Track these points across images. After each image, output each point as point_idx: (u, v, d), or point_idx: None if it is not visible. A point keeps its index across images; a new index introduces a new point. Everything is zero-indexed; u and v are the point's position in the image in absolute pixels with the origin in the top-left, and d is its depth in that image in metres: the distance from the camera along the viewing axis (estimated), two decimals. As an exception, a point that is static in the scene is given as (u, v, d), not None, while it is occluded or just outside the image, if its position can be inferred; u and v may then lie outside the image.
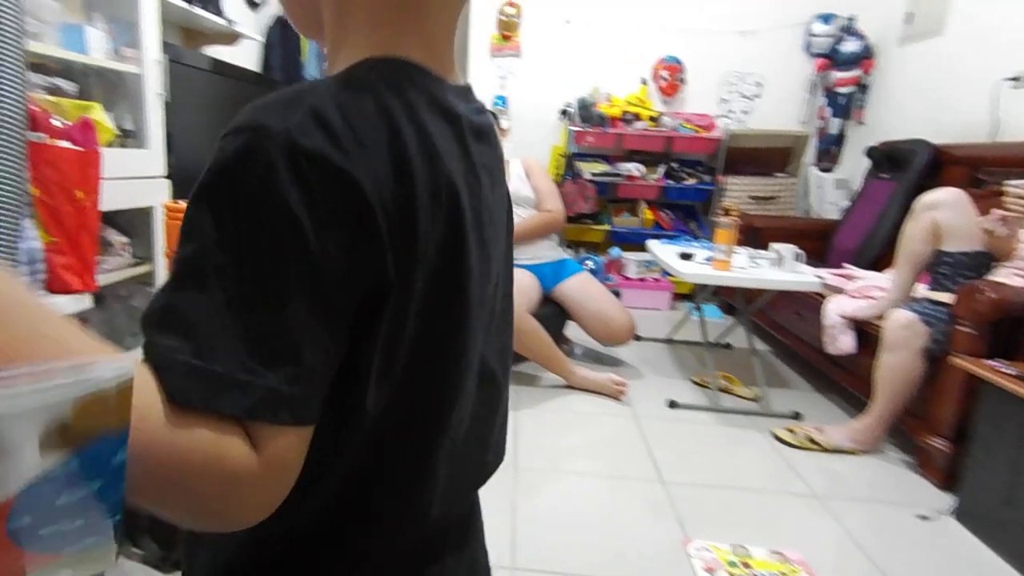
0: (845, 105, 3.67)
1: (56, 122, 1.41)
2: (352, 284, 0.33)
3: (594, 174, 3.78)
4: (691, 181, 3.82)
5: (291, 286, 0.31)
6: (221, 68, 2.56)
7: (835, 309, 2.19)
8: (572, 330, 2.74)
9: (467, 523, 0.52)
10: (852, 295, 2.23)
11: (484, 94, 3.94)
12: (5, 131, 0.70)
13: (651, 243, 2.91)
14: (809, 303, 2.44)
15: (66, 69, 1.76)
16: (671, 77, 3.81)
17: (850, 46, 3.58)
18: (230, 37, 2.96)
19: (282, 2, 0.46)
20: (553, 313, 2.62)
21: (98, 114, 1.53)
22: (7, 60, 0.70)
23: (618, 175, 3.80)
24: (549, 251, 2.70)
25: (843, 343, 2.13)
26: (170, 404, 0.28)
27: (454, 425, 0.43)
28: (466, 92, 0.44)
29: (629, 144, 3.81)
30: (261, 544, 0.40)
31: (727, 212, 2.18)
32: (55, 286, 1.42)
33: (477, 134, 0.42)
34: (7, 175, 0.70)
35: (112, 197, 1.72)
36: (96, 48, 1.78)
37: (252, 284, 0.30)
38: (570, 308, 2.62)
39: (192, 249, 0.31)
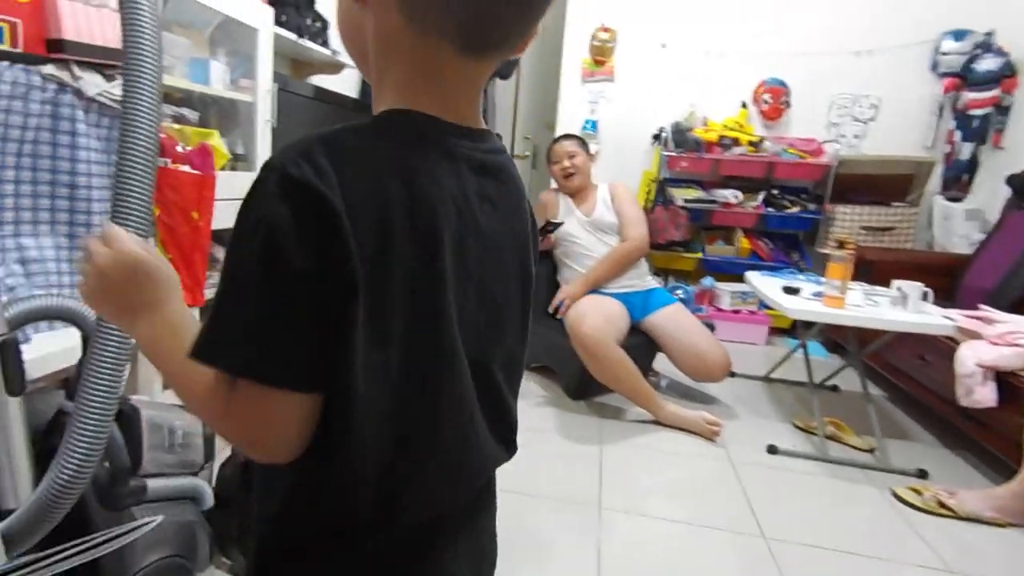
0: (979, 128, 3.33)
1: (179, 148, 1.50)
2: (323, 274, 0.42)
3: (687, 200, 3.64)
4: (793, 209, 3.60)
5: (267, 280, 0.42)
6: (322, 95, 2.68)
7: (972, 356, 1.94)
8: (659, 362, 2.61)
9: (473, 510, 0.58)
10: (993, 341, 1.97)
11: (574, 119, 3.91)
12: (143, 158, 0.76)
13: (750, 274, 2.74)
14: (937, 347, 2.18)
15: (190, 98, 1.89)
16: (774, 100, 3.62)
17: (987, 64, 3.26)
18: (335, 67, 3.10)
19: (341, 39, 0.56)
20: (641, 344, 2.50)
21: (215, 140, 1.61)
22: (147, 95, 0.76)
23: (713, 202, 3.64)
24: (638, 280, 2.59)
25: (982, 395, 1.88)
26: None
27: (447, 416, 0.51)
28: (480, 135, 0.53)
29: (726, 170, 3.64)
30: (288, 530, 0.51)
31: (842, 245, 2.00)
32: (167, 302, 1.49)
33: (480, 169, 0.52)
34: (143, 198, 0.75)
35: (222, 216, 1.81)
36: (217, 79, 1.90)
37: (239, 281, 0.44)
38: (660, 340, 2.49)
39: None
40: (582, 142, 2.67)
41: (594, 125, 3.88)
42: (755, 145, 3.55)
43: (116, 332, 0.82)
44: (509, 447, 0.59)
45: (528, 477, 1.84)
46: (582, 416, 2.37)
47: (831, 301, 2.04)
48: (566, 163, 2.58)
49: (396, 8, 0.47)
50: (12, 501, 0.92)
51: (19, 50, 1.02)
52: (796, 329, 3.63)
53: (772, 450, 2.13)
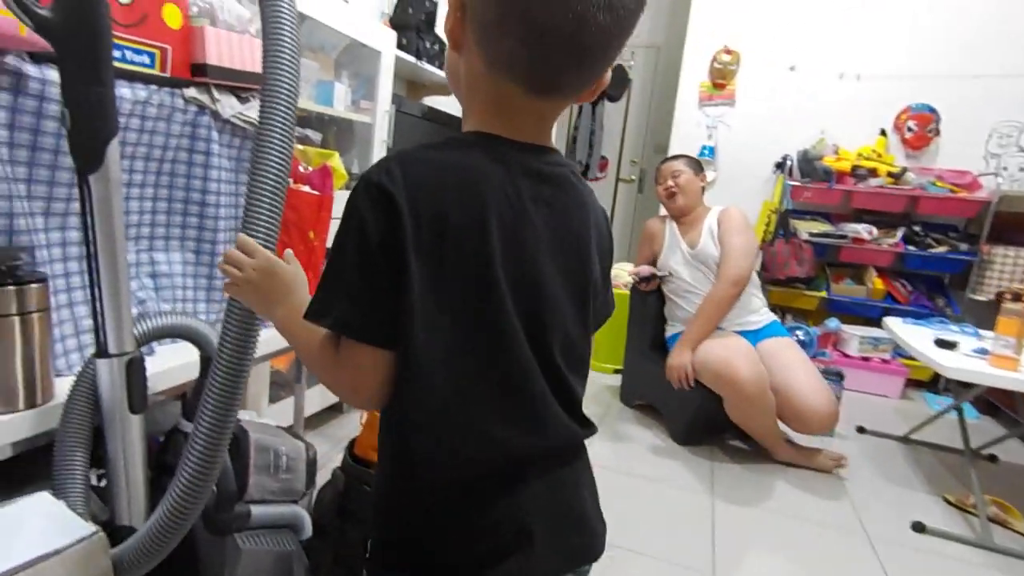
0: None
1: (301, 168, 1.52)
2: (391, 251, 0.55)
3: (812, 234, 3.35)
4: (940, 249, 3.20)
5: (356, 257, 0.56)
6: (433, 115, 2.71)
7: None
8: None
9: (557, 471, 0.65)
10: None
11: (689, 144, 3.73)
12: (275, 178, 0.79)
13: (892, 321, 2.44)
14: None
15: (313, 119, 1.94)
16: (920, 128, 3.27)
17: None
18: (447, 89, 3.14)
19: (446, 77, 0.69)
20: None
21: (336, 161, 1.63)
22: (282, 117, 0.79)
23: (843, 237, 3.32)
24: (753, 316, 2.36)
25: None
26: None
27: (505, 379, 0.60)
28: (541, 150, 0.64)
29: (859, 202, 3.32)
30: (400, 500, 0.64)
31: (1018, 297, 1.71)
32: (281, 320, 1.50)
33: (536, 176, 0.62)
34: (272, 215, 0.79)
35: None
36: (340, 101, 1.94)
37: (337, 259, 0.58)
38: None
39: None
40: (693, 162, 2.46)
41: (711, 151, 3.69)
42: (895, 177, 3.20)
43: (234, 358, 0.81)
44: (583, 424, 0.67)
45: (635, 531, 1.69)
46: (691, 463, 2.18)
47: (1001, 361, 1.75)
48: (669, 182, 2.42)
49: (479, 57, 0.60)
50: (127, 517, 0.92)
51: (167, 74, 1.05)
52: (939, 383, 3.22)
53: (919, 528, 1.84)
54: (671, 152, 3.80)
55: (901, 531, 1.84)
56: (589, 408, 2.62)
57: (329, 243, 1.73)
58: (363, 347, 0.58)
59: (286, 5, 0.76)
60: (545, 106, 0.62)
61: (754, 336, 2.30)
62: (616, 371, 3.08)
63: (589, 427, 0.68)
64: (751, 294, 2.36)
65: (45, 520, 0.72)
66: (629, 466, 2.12)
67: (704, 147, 3.72)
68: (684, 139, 3.78)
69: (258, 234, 0.76)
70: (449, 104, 3.28)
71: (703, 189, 2.47)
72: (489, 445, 0.60)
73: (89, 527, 0.74)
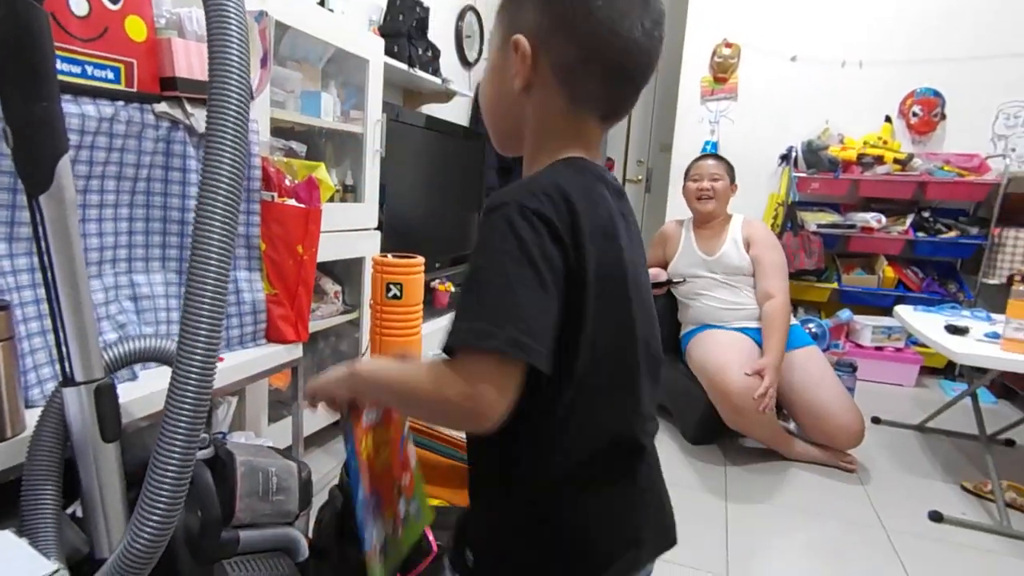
0: None
1: (287, 182, 1.49)
2: (553, 267, 0.55)
3: (820, 225, 3.28)
4: (950, 234, 3.13)
5: (522, 276, 0.54)
6: (432, 124, 2.67)
7: None
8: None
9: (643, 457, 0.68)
10: None
11: (693, 140, 3.68)
12: (225, 196, 0.74)
13: (902, 309, 2.37)
14: None
15: (301, 131, 1.91)
16: (926, 112, 3.19)
17: None
18: (446, 95, 3.11)
19: (488, 125, 0.74)
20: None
21: (322, 173, 1.59)
22: (233, 131, 0.74)
23: (851, 226, 3.25)
24: None
25: None
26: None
27: (624, 374, 0.64)
28: (606, 169, 0.69)
29: (866, 191, 3.24)
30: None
31: (1033, 280, 1.64)
32: (272, 335, 1.47)
33: (617, 192, 0.67)
34: (225, 235, 0.74)
35: (330, 248, 1.79)
36: (327, 112, 1.91)
37: (499, 279, 0.54)
38: (782, 387, 2.16)
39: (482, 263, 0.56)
40: (731, 168, 2.38)
41: (715, 146, 3.63)
42: (902, 163, 3.13)
43: (197, 374, 0.76)
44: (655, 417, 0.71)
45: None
46: (703, 462, 2.13)
47: (1013, 345, 1.68)
48: (706, 183, 2.31)
49: (561, 95, 0.64)
50: (107, 550, 0.88)
51: (134, 89, 1.02)
52: (954, 370, 3.14)
53: (936, 517, 1.78)
54: (676, 151, 3.75)
55: (918, 521, 1.77)
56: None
57: (321, 256, 1.70)
58: (517, 369, 0.53)
59: (233, 7, 0.71)
60: (605, 130, 0.68)
61: None
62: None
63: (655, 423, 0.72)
64: None
65: (3, 562, 0.68)
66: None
67: (707, 142, 3.66)
68: (687, 135, 3.72)
69: (211, 251, 0.72)
70: (448, 112, 3.25)
71: (730, 198, 2.39)
72: (609, 437, 0.63)
73: (50, 566, 0.70)
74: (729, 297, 2.28)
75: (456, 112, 3.72)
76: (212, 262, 0.72)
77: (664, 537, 0.70)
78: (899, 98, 3.27)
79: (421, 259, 2.27)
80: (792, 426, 2.32)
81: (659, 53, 0.63)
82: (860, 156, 3.19)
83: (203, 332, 0.74)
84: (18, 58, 0.69)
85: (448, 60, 3.28)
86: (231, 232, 0.73)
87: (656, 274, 2.48)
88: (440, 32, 3.22)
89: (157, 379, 1.12)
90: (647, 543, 0.67)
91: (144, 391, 1.09)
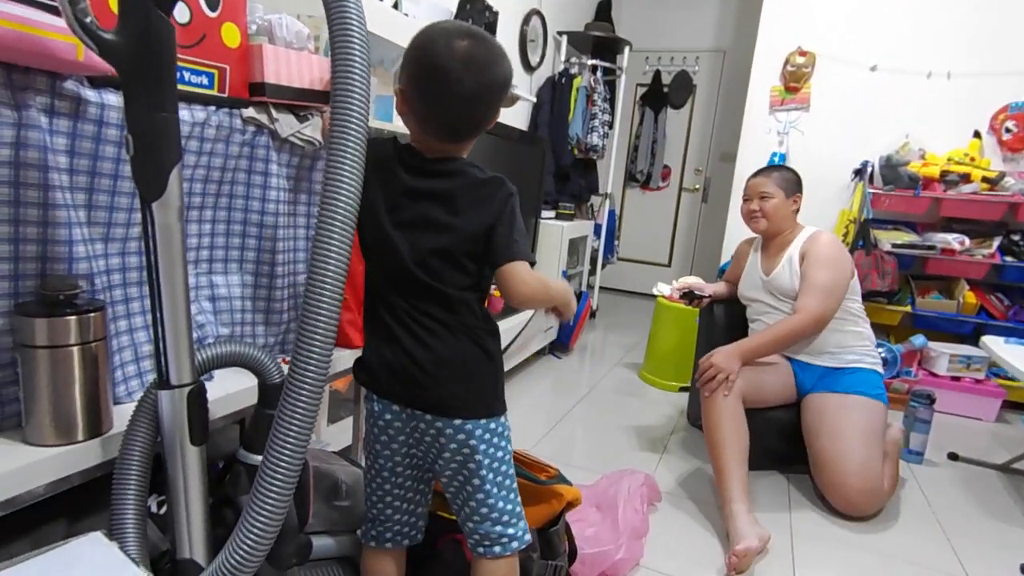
0: None
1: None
2: None
3: (895, 245, 3.11)
4: (1043, 260, 2.92)
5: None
6: (493, 128, 2.66)
7: None
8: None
9: None
10: None
11: (759, 151, 3.56)
12: (345, 205, 0.79)
13: (991, 340, 2.22)
14: None
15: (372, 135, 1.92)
16: (1021, 128, 2.99)
17: None
18: (510, 100, 3.09)
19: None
20: (789, 422, 2.08)
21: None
22: (353, 147, 0.78)
23: (930, 247, 3.06)
24: (836, 350, 2.06)
25: None
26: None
27: None
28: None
29: (948, 210, 3.06)
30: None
31: None
32: (339, 340, 1.47)
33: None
34: (345, 244, 0.81)
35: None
36: (398, 116, 1.91)
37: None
38: (802, 429, 2.02)
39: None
40: (788, 181, 2.14)
41: (783, 158, 3.50)
42: (991, 182, 2.94)
43: (308, 391, 0.78)
44: None
45: (703, 567, 1.57)
46: (764, 491, 2.02)
47: None
48: (754, 204, 2.14)
49: (415, 125, 0.98)
50: (188, 550, 0.89)
51: (225, 95, 1.03)
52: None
53: (1031, 575, 1.64)
54: (740, 161, 3.63)
55: (1008, 574, 1.64)
56: (653, 427, 2.51)
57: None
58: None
59: (355, 17, 0.71)
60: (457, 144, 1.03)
61: (821, 375, 2.06)
62: (682, 389, 2.94)
63: None
64: (847, 330, 2.08)
65: (95, 567, 0.69)
66: (696, 491, 1.99)
67: (775, 153, 3.53)
68: (753, 146, 3.60)
69: (330, 256, 0.78)
70: (510, 116, 3.23)
71: (796, 211, 2.16)
72: None
73: (139, 573, 0.70)
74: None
75: (517, 117, 3.71)
76: (330, 273, 0.75)
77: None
78: (990, 112, 3.07)
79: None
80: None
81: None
82: (943, 173, 3.00)
83: (317, 345, 0.75)
84: (146, 69, 0.70)
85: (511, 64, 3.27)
86: (347, 245, 0.77)
87: (688, 283, 2.41)
88: (504, 36, 3.21)
89: (231, 381, 1.13)
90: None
91: (220, 392, 1.10)
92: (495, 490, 1.00)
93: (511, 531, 1.02)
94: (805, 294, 2.00)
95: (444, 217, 0.96)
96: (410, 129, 0.99)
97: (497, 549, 1.01)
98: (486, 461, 0.99)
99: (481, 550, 1.02)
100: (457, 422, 0.97)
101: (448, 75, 0.89)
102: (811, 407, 2.01)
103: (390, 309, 1.00)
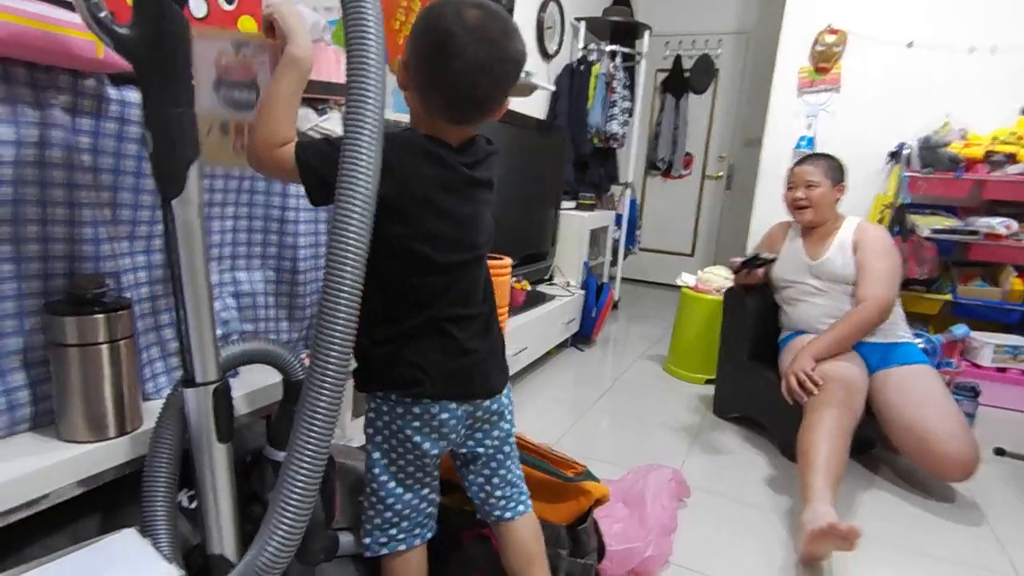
0: None
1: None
2: None
3: (935, 230, 3.00)
4: (1094, 243, 2.78)
5: None
6: (509, 118, 2.64)
7: None
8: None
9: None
10: None
11: (786, 135, 3.46)
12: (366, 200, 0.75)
13: (1039, 329, 2.12)
14: None
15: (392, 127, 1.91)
16: (1070, 104, 2.85)
17: None
18: (527, 88, 3.05)
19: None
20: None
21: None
22: (369, 137, 0.75)
23: (973, 232, 2.94)
24: (887, 327, 2.08)
25: None
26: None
27: None
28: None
29: (992, 193, 2.93)
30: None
31: None
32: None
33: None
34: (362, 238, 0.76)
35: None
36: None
37: None
38: (879, 407, 1.97)
39: None
40: (834, 169, 2.15)
41: (810, 142, 3.40)
42: (1039, 162, 2.80)
43: (329, 387, 0.76)
44: None
45: (738, 566, 1.54)
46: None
47: None
48: (800, 192, 2.14)
49: (417, 100, 0.88)
50: (218, 545, 0.89)
51: (245, 89, 1.02)
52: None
53: (1084, 575, 1.56)
54: (766, 146, 3.54)
55: (1063, 578, 1.57)
56: (680, 420, 2.46)
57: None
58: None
59: (370, 7, 0.70)
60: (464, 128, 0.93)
61: (884, 352, 2.06)
62: (708, 381, 2.89)
63: None
64: (893, 309, 2.09)
65: (129, 564, 0.69)
66: (726, 487, 1.95)
67: (803, 137, 3.43)
68: (780, 130, 3.51)
69: (348, 252, 0.75)
70: (526, 106, 3.19)
71: (838, 200, 2.16)
72: None
73: (171, 570, 0.70)
74: (828, 304, 2.12)
75: (534, 106, 3.67)
76: (348, 268, 0.73)
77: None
78: (1037, 89, 2.93)
79: (508, 260, 2.24)
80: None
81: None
82: (988, 154, 2.88)
83: (337, 339, 0.75)
84: (162, 63, 0.70)
85: (528, 51, 3.24)
86: (365, 237, 0.75)
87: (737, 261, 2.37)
88: (521, 23, 3.16)
89: (256, 375, 1.13)
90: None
91: (245, 388, 1.10)
92: (515, 452, 1.09)
93: (525, 489, 1.11)
94: (871, 284, 2.02)
95: (488, 199, 0.98)
96: (411, 110, 0.91)
97: (521, 508, 1.08)
98: (513, 421, 1.07)
99: (509, 514, 1.07)
100: (503, 392, 1.03)
101: (453, 39, 0.80)
102: (888, 382, 1.98)
103: (454, 319, 0.93)
